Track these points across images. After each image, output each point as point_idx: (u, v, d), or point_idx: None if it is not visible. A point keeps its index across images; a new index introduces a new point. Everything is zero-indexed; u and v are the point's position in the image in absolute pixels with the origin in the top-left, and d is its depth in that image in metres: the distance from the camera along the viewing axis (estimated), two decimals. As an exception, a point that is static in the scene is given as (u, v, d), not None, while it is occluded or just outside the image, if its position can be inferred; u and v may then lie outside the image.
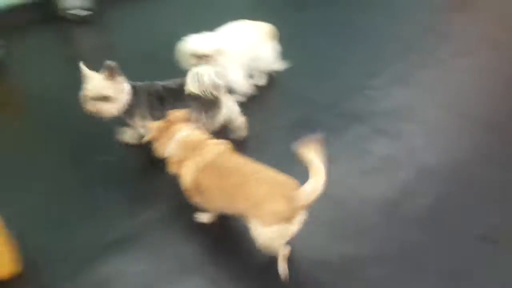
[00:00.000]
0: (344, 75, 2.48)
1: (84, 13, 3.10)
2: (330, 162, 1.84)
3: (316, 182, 1.27)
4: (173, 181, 1.72)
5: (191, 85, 1.76)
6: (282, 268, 1.44)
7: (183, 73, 2.13)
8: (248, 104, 2.25)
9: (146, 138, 1.63)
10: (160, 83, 1.86)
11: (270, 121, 2.18)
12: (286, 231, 1.32)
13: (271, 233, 1.31)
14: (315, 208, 1.66)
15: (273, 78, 2.44)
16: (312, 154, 1.28)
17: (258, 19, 2.31)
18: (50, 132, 2.15)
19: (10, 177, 1.90)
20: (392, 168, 1.87)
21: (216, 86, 1.76)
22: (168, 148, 1.52)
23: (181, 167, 1.49)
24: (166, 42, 2.82)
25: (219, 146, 1.51)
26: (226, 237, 1.61)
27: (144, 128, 1.81)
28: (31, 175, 1.91)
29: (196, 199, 1.53)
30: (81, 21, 3.10)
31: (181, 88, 1.81)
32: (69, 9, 3.07)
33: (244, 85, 2.21)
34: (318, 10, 3.19)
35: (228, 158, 1.47)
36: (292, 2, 3.36)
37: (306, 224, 1.36)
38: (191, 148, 1.49)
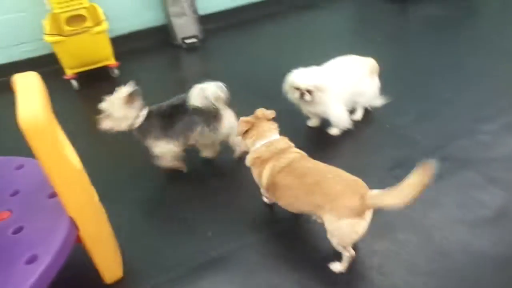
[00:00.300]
0: (450, 116, 2.33)
1: (193, 41, 3.37)
2: (434, 207, 1.78)
3: (392, 195, 1.38)
4: (275, 209, 1.75)
5: (194, 99, 1.87)
6: (343, 267, 1.56)
7: (285, 102, 2.19)
8: (345, 139, 2.23)
9: (238, 131, 1.76)
10: (165, 102, 1.97)
11: (367, 158, 2.11)
12: (357, 226, 1.44)
13: (345, 226, 1.44)
14: (416, 256, 1.58)
15: (371, 113, 2.39)
16: (417, 174, 1.34)
17: (361, 53, 2.29)
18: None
19: (119, 190, 2.07)
20: (506, 221, 1.69)
21: (218, 99, 1.88)
22: (257, 146, 1.69)
23: (263, 166, 1.65)
24: (267, 70, 2.96)
25: (300, 153, 1.68)
26: (320, 275, 1.57)
27: (159, 148, 1.92)
28: (137, 188, 2.07)
29: (271, 196, 1.70)
30: (190, 48, 3.37)
31: (184, 102, 1.91)
32: (181, 37, 3.37)
33: (344, 119, 2.19)
34: (423, 48, 3.08)
35: (306, 161, 1.65)
36: (396, 38, 3.29)
37: (406, 272, 1.29)
38: (278, 152, 1.65)
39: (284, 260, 1.63)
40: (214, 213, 1.87)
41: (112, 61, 2.97)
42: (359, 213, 1.42)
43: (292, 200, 1.62)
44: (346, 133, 2.24)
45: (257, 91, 2.71)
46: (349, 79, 2.17)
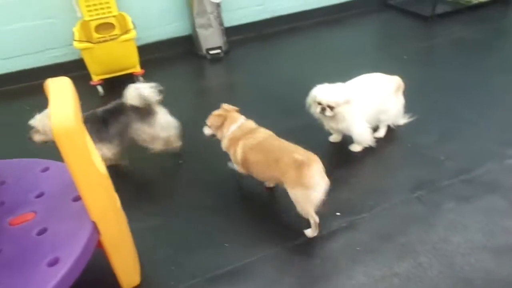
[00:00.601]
0: (476, 138, 2.29)
1: (217, 52, 3.41)
2: (457, 231, 1.74)
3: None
4: (294, 222, 1.73)
5: (130, 98, 2.04)
6: (312, 231, 1.75)
7: (307, 116, 2.18)
8: (366, 156, 2.21)
9: (212, 124, 1.97)
10: (100, 108, 2.11)
11: (388, 177, 2.08)
12: (309, 196, 1.66)
13: (298, 195, 1.68)
14: (437, 280, 1.54)
15: (394, 131, 2.36)
16: None
17: (385, 70, 2.28)
18: (178, 154, 2.34)
19: (140, 197, 2.09)
20: (532, 251, 1.64)
21: (150, 98, 2.07)
22: (230, 129, 1.92)
23: (237, 144, 1.89)
24: (289, 83, 2.97)
25: (268, 131, 1.91)
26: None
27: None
28: (159, 196, 2.09)
29: (246, 171, 1.93)
30: (214, 59, 3.41)
31: (118, 106, 2.09)
32: (206, 48, 3.41)
33: (366, 137, 2.17)
34: (448, 67, 3.04)
35: (273, 139, 1.87)
36: (421, 56, 3.27)
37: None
38: (248, 131, 1.90)
39: (300, 275, 1.61)
40: (233, 224, 1.86)
41: (137, 69, 3.03)
42: (307, 185, 1.63)
43: (260, 174, 1.89)
44: (368, 150, 2.22)
45: (279, 103, 2.72)
46: (374, 97, 2.15)
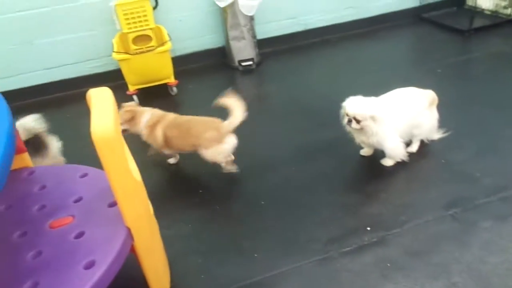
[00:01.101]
0: (514, 155, 2.21)
1: (249, 64, 3.47)
2: (493, 251, 1.67)
3: (234, 117, 2.07)
4: (324, 234, 1.72)
5: (22, 134, 1.99)
6: (229, 168, 2.21)
7: (338, 129, 2.17)
8: (398, 171, 2.17)
9: (123, 119, 2.16)
10: None
11: (421, 193, 2.03)
12: (222, 149, 2.10)
13: (213, 152, 2.10)
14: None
15: (428, 146, 2.31)
16: (231, 100, 2.10)
17: (419, 84, 2.24)
18: (209, 165, 2.37)
19: (171, 205, 2.13)
20: None
21: (35, 130, 2.09)
22: (145, 119, 2.21)
23: (155, 128, 2.19)
24: (320, 96, 2.97)
25: (175, 114, 2.26)
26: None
27: None
28: (189, 204, 2.13)
29: (165, 149, 2.25)
30: (246, 70, 3.47)
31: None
32: (238, 60, 3.47)
33: (399, 151, 2.14)
34: (485, 81, 2.96)
35: (182, 117, 2.24)
36: (456, 70, 3.19)
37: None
38: (161, 115, 2.23)
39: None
40: (262, 234, 1.87)
41: (172, 80, 3.12)
42: (219, 140, 2.06)
43: (179, 146, 2.21)
44: (400, 165, 2.18)
45: (310, 116, 2.73)
46: (408, 112, 2.12)
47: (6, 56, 3.16)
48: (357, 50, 3.70)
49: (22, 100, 3.09)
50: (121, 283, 1.39)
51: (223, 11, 3.34)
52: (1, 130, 1.28)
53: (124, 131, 2.13)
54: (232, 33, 3.39)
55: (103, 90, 1.34)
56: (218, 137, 2.07)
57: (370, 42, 3.82)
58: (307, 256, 1.73)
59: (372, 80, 2.98)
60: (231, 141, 2.10)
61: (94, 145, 1.18)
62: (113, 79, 3.11)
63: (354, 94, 2.09)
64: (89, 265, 1.26)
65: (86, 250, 1.33)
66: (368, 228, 1.83)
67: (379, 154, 2.23)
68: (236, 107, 2.07)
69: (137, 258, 1.46)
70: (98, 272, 1.23)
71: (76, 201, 1.55)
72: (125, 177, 1.27)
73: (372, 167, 2.24)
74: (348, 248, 1.74)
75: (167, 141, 2.20)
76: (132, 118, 2.21)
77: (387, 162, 2.21)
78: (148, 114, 2.23)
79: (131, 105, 2.29)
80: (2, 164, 1.16)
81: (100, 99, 1.29)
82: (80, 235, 1.39)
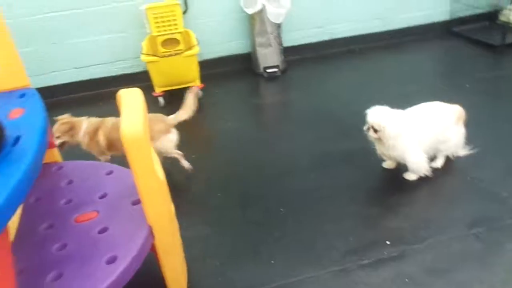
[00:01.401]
0: (544, 176, 2.15)
1: (274, 71, 3.49)
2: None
3: (182, 113, 2.28)
4: (342, 245, 1.71)
5: None
6: (185, 163, 2.34)
7: (361, 139, 2.16)
8: (421, 186, 2.14)
9: (59, 131, 2.16)
10: None
11: (444, 210, 1.99)
12: (170, 138, 2.26)
13: (163, 143, 2.23)
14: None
15: (453, 162, 2.27)
16: (190, 97, 2.30)
17: (446, 99, 2.21)
18: (230, 169, 2.41)
19: (192, 206, 2.16)
20: None
21: None
22: (84, 128, 2.23)
23: (96, 134, 2.22)
24: (344, 106, 2.96)
25: (115, 118, 2.20)
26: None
27: None
28: (210, 207, 2.15)
29: (106, 154, 2.29)
30: (270, 77, 3.49)
31: None
32: (263, 66, 3.50)
33: (422, 166, 2.11)
34: (515, 99, 2.90)
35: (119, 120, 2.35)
36: (486, 86, 3.12)
37: None
38: (99, 121, 2.27)
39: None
40: (280, 241, 1.87)
41: (197, 83, 3.17)
42: (166, 131, 2.23)
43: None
44: (423, 180, 2.15)
45: (333, 125, 2.72)
46: (434, 127, 2.09)
47: (40, 54, 3.28)
48: (383, 62, 3.67)
49: (53, 97, 3.19)
50: (140, 280, 1.41)
51: (251, 17, 3.38)
52: (36, 125, 1.33)
53: (62, 144, 2.19)
54: (259, 40, 3.42)
55: (134, 91, 1.38)
56: (165, 129, 2.25)
57: (397, 54, 3.79)
58: (324, 266, 1.72)
59: (398, 92, 2.95)
60: (174, 133, 2.31)
61: (123, 144, 1.21)
62: (140, 80, 3.17)
63: (378, 105, 2.07)
64: (111, 260, 1.29)
65: (108, 245, 1.36)
66: (388, 242, 1.80)
67: (402, 167, 2.20)
68: (188, 105, 2.29)
69: (157, 256, 1.48)
70: (119, 268, 1.26)
71: (101, 197, 1.59)
72: (150, 176, 1.29)
73: (394, 180, 2.21)
74: (367, 261, 1.72)
75: (110, 145, 2.22)
76: (70, 129, 2.21)
77: (410, 176, 2.18)
78: (86, 122, 2.26)
79: (66, 117, 2.27)
80: (36, 157, 1.21)
81: (131, 100, 1.33)
82: (103, 230, 1.43)
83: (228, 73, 3.61)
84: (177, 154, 2.32)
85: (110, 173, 1.75)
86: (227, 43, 3.63)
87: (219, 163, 2.48)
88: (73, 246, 1.38)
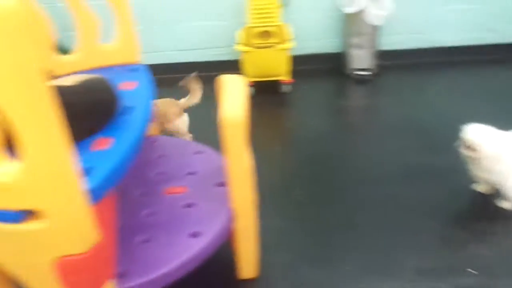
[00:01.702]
0: None
1: (365, 74, 3.39)
2: None
3: (192, 98, 2.40)
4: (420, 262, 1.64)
5: None
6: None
7: (452, 156, 2.03)
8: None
9: None
10: None
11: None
12: (183, 119, 2.37)
13: (176, 124, 2.34)
14: None
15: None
16: (194, 84, 2.41)
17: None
18: (313, 166, 2.41)
19: (274, 197, 2.17)
20: None
21: None
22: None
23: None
24: (436, 119, 2.79)
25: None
26: None
27: None
28: (287, 201, 2.17)
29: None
30: (360, 80, 3.40)
31: None
32: (354, 68, 3.42)
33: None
34: None
35: None
36: None
37: None
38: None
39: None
40: (354, 248, 1.83)
41: (287, 77, 3.19)
42: (180, 114, 2.35)
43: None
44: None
45: (422, 136, 2.58)
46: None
47: (147, 34, 3.51)
48: (489, 77, 3.39)
49: (153, 75, 3.42)
50: (211, 260, 1.47)
51: (348, 17, 3.31)
52: (146, 98, 1.44)
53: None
54: (353, 40, 3.34)
55: (237, 78, 1.43)
56: (179, 111, 2.38)
57: (502, 70, 3.47)
58: (395, 281, 1.66)
59: (501, 111, 2.70)
60: (187, 116, 2.48)
61: (222, 128, 1.27)
62: (231, 69, 3.25)
63: (476, 122, 1.92)
64: (195, 235, 1.37)
65: (193, 220, 1.44)
66: (473, 271, 1.68)
67: (496, 193, 2.03)
68: (197, 91, 2.43)
69: (233, 240, 1.54)
70: (201, 243, 1.33)
71: (190, 174, 1.68)
72: (242, 161, 1.34)
73: (485, 205, 2.04)
74: (443, 285, 1.63)
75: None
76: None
77: (505, 204, 2.00)
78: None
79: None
80: (142, 129, 1.32)
81: (233, 86, 1.38)
82: (189, 205, 1.51)
83: (316, 70, 3.57)
84: (188, 136, 2.45)
85: (199, 152, 1.84)
86: (319, 40, 3.59)
87: (302, 159, 2.48)
88: (160, 215, 1.48)
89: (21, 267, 1.03)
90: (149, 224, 1.45)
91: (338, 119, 3.02)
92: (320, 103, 3.19)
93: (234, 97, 1.32)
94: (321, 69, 3.58)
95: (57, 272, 1.00)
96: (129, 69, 1.71)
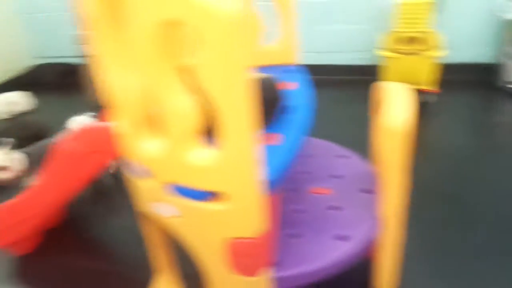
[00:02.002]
0: None
1: (523, 88, 3.03)
2: None
3: None
4: None
5: None
6: None
7: None
8: None
9: None
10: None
11: None
12: None
13: None
14: None
15: None
16: None
17: None
18: (453, 184, 2.25)
19: (414, 208, 2.08)
20: None
21: None
22: None
23: None
24: None
25: None
26: None
27: None
28: (423, 215, 2.06)
29: None
30: (514, 94, 3.05)
31: None
32: (508, 82, 3.07)
33: None
34: None
35: None
36: None
37: None
38: None
39: None
40: (490, 273, 1.66)
41: (432, 87, 3.01)
42: None
43: None
44: None
45: None
46: None
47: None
48: None
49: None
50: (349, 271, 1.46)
51: (507, 24, 2.98)
52: (308, 98, 1.51)
53: None
54: (510, 50, 3.00)
55: (403, 86, 1.40)
56: None
57: None
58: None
59: None
60: None
61: (386, 135, 1.25)
62: (366, 74, 3.22)
63: None
64: (342, 238, 1.38)
65: (339, 223, 1.45)
66: None
67: None
68: None
69: (372, 250, 1.51)
70: (347, 247, 1.34)
71: (336, 177, 1.69)
72: (400, 172, 1.31)
73: None
74: None
75: None
76: None
77: None
78: None
79: None
80: (306, 128, 1.38)
81: (400, 94, 1.35)
82: (334, 207, 1.53)
83: (465, 81, 3.30)
84: None
85: (342, 157, 1.84)
86: (471, 49, 3.31)
87: (441, 175, 2.33)
88: (306, 213, 1.53)
89: (198, 242, 1.17)
90: (295, 220, 1.50)
91: (484, 137, 2.74)
92: (466, 117, 2.94)
93: (403, 105, 1.29)
94: (470, 80, 3.30)
95: (228, 251, 1.11)
96: (289, 69, 1.80)
